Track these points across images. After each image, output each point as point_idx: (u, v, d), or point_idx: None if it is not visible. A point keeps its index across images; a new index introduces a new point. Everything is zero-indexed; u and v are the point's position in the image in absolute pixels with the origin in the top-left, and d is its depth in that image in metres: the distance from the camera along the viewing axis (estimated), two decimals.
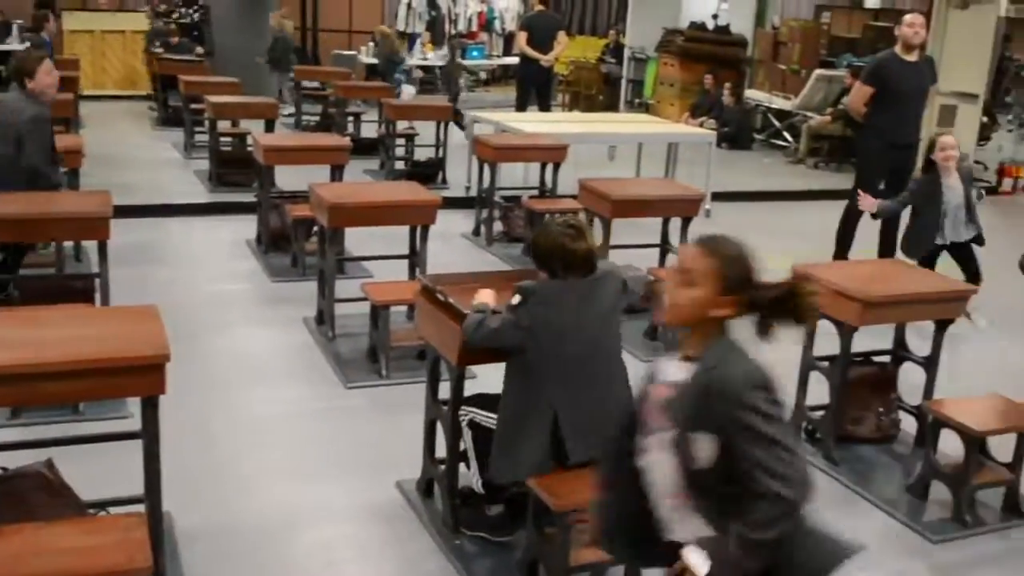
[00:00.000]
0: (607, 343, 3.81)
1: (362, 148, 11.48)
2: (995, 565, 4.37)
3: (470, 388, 4.17)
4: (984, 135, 13.85)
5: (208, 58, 15.22)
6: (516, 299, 3.67)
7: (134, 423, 3.97)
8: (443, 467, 4.24)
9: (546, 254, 3.73)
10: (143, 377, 3.42)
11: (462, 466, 4.13)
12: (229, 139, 10.68)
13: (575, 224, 3.78)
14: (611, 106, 17.30)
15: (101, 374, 3.38)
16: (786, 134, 14.86)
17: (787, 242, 9.16)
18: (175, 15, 16.54)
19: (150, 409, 3.47)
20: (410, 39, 19.26)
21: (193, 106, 11.68)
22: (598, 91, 17.89)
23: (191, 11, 17.73)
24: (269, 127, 9.74)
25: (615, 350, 3.87)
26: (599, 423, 3.70)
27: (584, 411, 3.68)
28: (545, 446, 3.67)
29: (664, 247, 7.26)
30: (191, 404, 5.16)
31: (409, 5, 19.80)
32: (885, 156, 7.77)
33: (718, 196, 10.26)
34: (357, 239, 7.47)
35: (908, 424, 5.32)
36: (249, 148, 9.51)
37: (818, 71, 14.58)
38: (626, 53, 17.59)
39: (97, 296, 5.74)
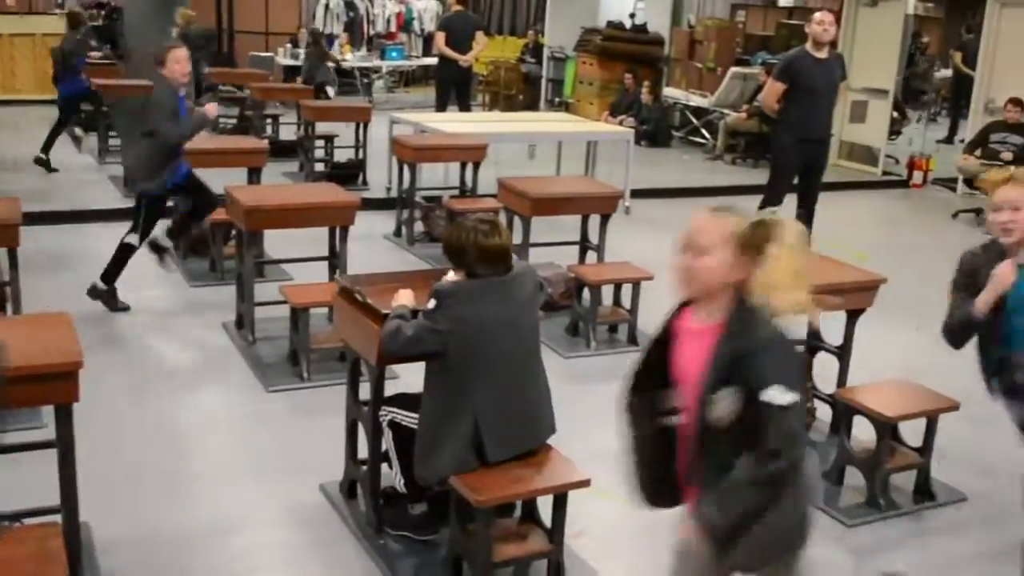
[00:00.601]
0: (527, 341, 3.82)
1: (281, 150, 11.38)
2: (908, 546, 4.50)
3: (391, 388, 4.19)
4: (894, 130, 14.19)
5: (121, 61, 14.95)
6: (431, 303, 3.64)
7: (49, 432, 3.91)
8: (365, 468, 4.23)
9: (459, 250, 3.70)
10: (56, 385, 3.37)
11: (385, 466, 4.13)
12: None
13: (488, 219, 3.77)
14: (531, 105, 17.39)
15: (13, 383, 3.32)
16: (704, 131, 15.07)
17: None
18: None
19: (64, 417, 3.42)
20: (328, 40, 19.13)
21: (106, 110, 11.46)
22: (518, 91, 17.96)
23: (101, 14, 17.43)
24: None
25: (535, 347, 3.89)
26: (521, 422, 3.75)
27: (506, 411, 3.70)
28: (465, 449, 3.67)
29: (584, 244, 7.33)
30: (108, 412, 5.08)
31: (327, 6, 19.66)
32: (798, 151, 7.94)
33: (637, 193, 10.37)
34: (276, 242, 7.42)
35: (824, 412, 5.44)
36: None
37: (733, 69, 14.81)
38: (545, 52, 17.69)
39: (8, 305, 5.62)
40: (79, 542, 3.61)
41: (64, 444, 3.45)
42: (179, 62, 6.31)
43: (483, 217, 3.81)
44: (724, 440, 2.58)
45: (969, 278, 3.83)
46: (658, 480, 2.84)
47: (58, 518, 3.55)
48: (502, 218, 6.02)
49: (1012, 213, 3.66)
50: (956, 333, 3.91)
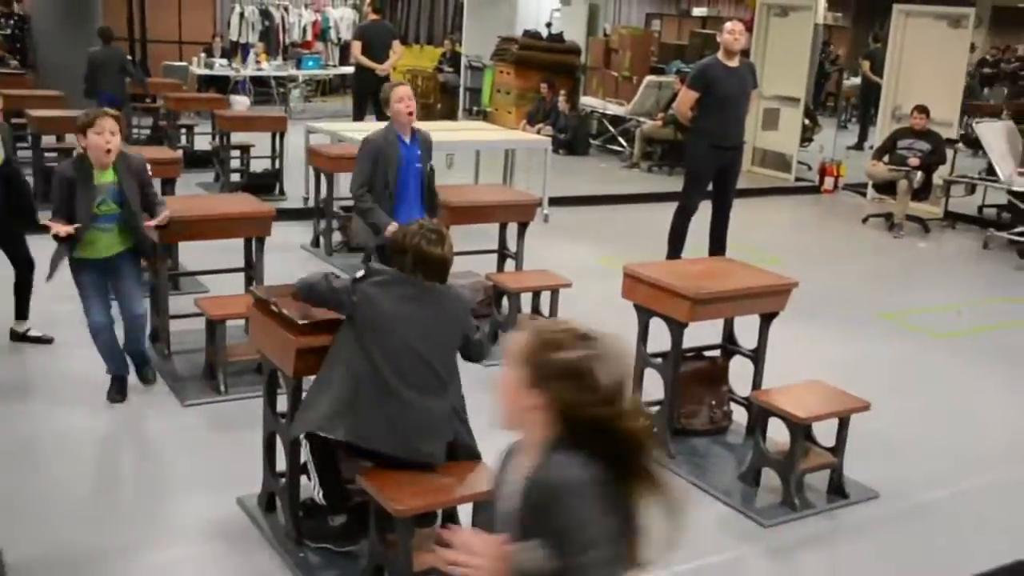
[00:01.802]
0: (437, 354, 3.78)
1: (195, 161, 11.22)
2: (823, 544, 4.60)
3: None
4: (806, 137, 14.48)
5: (29, 71, 14.63)
6: (359, 273, 3.80)
7: None
8: (284, 480, 4.19)
9: (400, 250, 3.79)
10: None
11: (304, 478, 4.10)
12: (55, 155, 10.28)
13: (437, 229, 3.83)
14: (449, 114, 17.39)
15: None
16: (621, 139, 15.22)
17: (622, 244, 9.40)
18: None
19: None
20: (243, 50, 18.92)
21: (15, 120, 11.19)
22: (436, 99, 17.95)
23: (10, 22, 17.03)
24: None
25: (445, 366, 3.82)
26: (399, 422, 3.68)
27: (385, 401, 3.66)
28: (337, 411, 3.68)
29: (502, 252, 7.35)
30: (14, 428, 4.97)
31: (242, 15, 19.44)
32: (712, 157, 8.05)
33: (555, 201, 10.43)
34: (193, 254, 7.31)
35: (740, 415, 5.53)
36: None
37: (649, 77, 15.00)
38: (463, 61, 17.71)
39: None
40: None
41: None
42: None
43: (432, 226, 3.85)
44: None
45: None
46: None
47: None
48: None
49: None
50: None
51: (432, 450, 3.76)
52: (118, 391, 5.46)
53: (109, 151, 5.02)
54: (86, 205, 5.04)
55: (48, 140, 10.19)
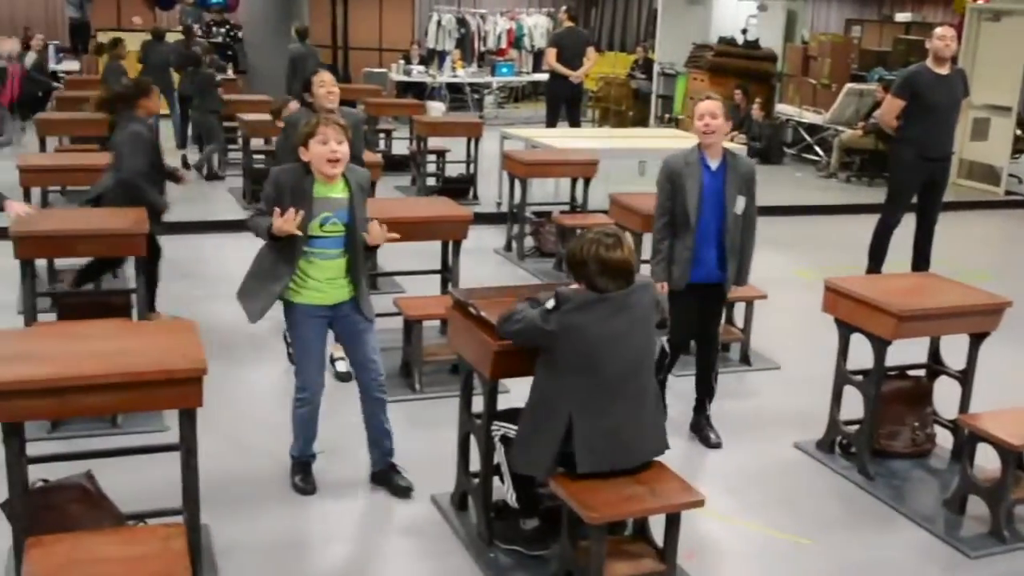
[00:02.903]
0: (637, 358, 3.77)
1: (393, 164, 11.55)
2: None
3: (503, 402, 4.20)
4: (1018, 148, 13.74)
5: (240, 77, 15.39)
6: (551, 303, 3.67)
7: (171, 435, 4.03)
8: (477, 480, 4.25)
9: (580, 262, 3.69)
10: (180, 390, 3.46)
11: (496, 480, 4.14)
12: (262, 156, 10.78)
13: (612, 232, 3.74)
14: (641, 121, 17.31)
15: (139, 387, 3.43)
16: (817, 148, 14.81)
17: (819, 256, 9.15)
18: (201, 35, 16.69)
19: (188, 422, 3.51)
20: (440, 57, 19.38)
21: (227, 124, 11.80)
22: (628, 107, 17.91)
23: (221, 31, 17.96)
24: None
25: (644, 365, 3.83)
26: (619, 439, 3.68)
27: (603, 426, 3.67)
28: (554, 449, 3.68)
29: None
30: (227, 418, 5.20)
31: (439, 23, 19.92)
32: (918, 169, 7.74)
33: None
34: (389, 255, 7.50)
35: (943, 438, 5.28)
36: None
37: (849, 85, 14.53)
38: (655, 68, 17.61)
39: (134, 311, 5.80)
40: (200, 543, 3.70)
41: (187, 448, 3.54)
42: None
43: (607, 230, 3.77)
44: None
45: None
46: None
47: (180, 519, 3.65)
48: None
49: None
50: None
51: (645, 456, 3.79)
52: (305, 478, 4.65)
53: (336, 162, 4.23)
54: (304, 221, 4.20)
55: (256, 142, 10.67)
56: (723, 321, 6.63)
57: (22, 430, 3.38)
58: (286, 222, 4.09)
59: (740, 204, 5.05)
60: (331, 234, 4.32)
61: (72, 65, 17.22)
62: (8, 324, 5.97)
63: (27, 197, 7.53)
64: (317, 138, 4.20)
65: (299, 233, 4.16)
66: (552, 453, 3.69)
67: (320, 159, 4.21)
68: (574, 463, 3.68)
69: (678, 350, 5.32)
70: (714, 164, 5.06)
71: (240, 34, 17.47)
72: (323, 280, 4.34)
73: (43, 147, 9.84)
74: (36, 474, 3.68)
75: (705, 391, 5.40)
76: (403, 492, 4.60)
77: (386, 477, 4.67)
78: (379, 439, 4.64)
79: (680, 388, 5.52)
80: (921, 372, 5.38)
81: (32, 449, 3.61)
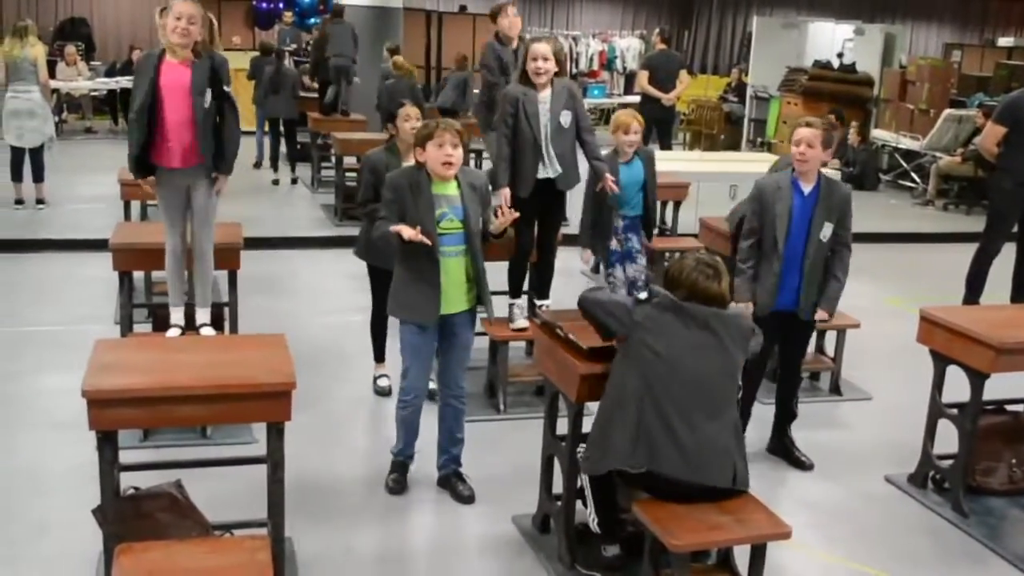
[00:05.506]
0: (717, 379, 3.72)
1: None
2: None
3: (587, 425, 4.16)
4: None
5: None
6: (644, 294, 3.75)
7: (259, 448, 4.08)
8: (560, 503, 4.22)
9: (675, 283, 3.76)
10: (269, 404, 3.51)
11: (579, 503, 4.11)
12: (354, 174, 10.91)
13: (714, 264, 3.76)
14: (733, 145, 17.17)
15: (229, 399, 3.49)
16: (914, 175, 14.51)
17: (914, 285, 8.95)
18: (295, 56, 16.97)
19: (276, 435, 3.56)
20: None
21: (320, 142, 12.00)
22: (719, 130, 17.77)
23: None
24: None
25: (726, 390, 3.76)
26: (686, 447, 3.61)
27: (673, 428, 3.61)
28: (631, 431, 3.64)
29: None
30: (311, 430, 5.26)
31: None
32: (1019, 197, 7.52)
33: None
34: None
35: None
36: None
37: (948, 111, 14.22)
38: (748, 92, 17.45)
39: (226, 324, 5.90)
40: (283, 555, 3.74)
41: (274, 461, 3.58)
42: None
43: (709, 260, 3.79)
44: None
45: None
46: None
47: (264, 531, 3.70)
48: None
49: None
50: None
51: (720, 475, 3.69)
52: (397, 479, 4.80)
53: (450, 164, 4.41)
54: (428, 216, 4.40)
55: (349, 161, 10.82)
56: (812, 350, 6.54)
57: (115, 438, 3.46)
58: (416, 234, 4.29)
59: (827, 231, 4.97)
60: (449, 230, 4.48)
61: None
62: (105, 334, 6.12)
63: (127, 211, 7.74)
64: (434, 141, 4.41)
65: (428, 242, 4.33)
66: (630, 437, 3.65)
67: (436, 162, 4.42)
68: (659, 487, 3.64)
69: (758, 375, 5.24)
70: (807, 188, 5.00)
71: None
72: (447, 286, 4.50)
73: None
74: (127, 482, 3.76)
75: (786, 416, 5.32)
76: (466, 499, 4.71)
77: (450, 482, 4.80)
78: (450, 446, 4.80)
79: (759, 413, 5.42)
80: (1020, 407, 5.21)
81: (124, 457, 3.69)
